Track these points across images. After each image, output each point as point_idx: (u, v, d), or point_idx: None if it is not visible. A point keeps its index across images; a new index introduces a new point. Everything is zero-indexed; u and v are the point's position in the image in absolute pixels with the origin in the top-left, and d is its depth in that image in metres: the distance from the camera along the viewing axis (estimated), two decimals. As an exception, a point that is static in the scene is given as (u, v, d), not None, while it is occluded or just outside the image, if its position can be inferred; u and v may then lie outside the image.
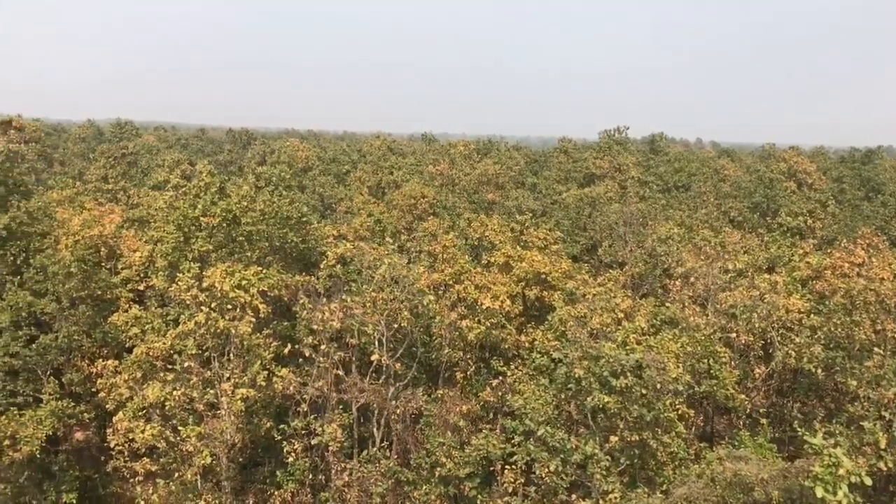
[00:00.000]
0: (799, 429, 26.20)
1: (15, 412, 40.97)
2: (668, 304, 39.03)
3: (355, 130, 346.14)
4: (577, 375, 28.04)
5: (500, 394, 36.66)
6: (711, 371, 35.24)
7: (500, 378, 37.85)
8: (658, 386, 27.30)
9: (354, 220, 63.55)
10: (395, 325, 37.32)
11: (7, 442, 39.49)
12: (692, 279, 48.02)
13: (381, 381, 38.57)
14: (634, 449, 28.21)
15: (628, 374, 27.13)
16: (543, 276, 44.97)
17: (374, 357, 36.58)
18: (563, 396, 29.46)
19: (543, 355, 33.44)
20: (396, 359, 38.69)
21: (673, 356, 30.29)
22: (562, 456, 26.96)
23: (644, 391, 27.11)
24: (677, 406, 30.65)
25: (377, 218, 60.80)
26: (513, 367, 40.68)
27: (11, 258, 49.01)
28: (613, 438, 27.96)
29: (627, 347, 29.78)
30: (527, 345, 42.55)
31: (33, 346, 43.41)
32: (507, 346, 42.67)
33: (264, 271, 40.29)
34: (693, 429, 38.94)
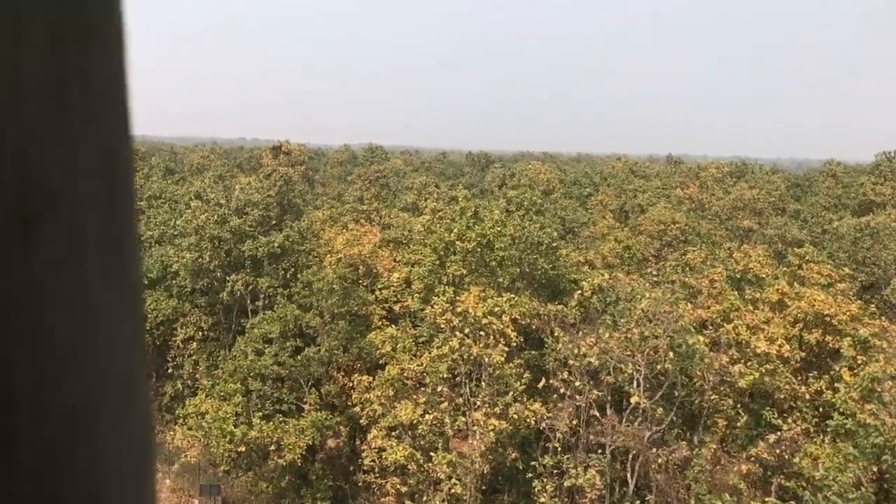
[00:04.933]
0: None
1: (280, 419, 43.71)
2: None
3: (590, 152, 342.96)
4: (897, 447, 23.32)
5: (778, 452, 32.13)
6: None
7: (777, 434, 33.25)
8: None
9: (600, 245, 61.12)
10: (657, 367, 34.31)
11: (273, 447, 42.12)
12: None
13: (636, 424, 35.71)
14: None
15: (971, 453, 22.00)
16: (827, 319, 39.28)
17: (634, 399, 33.84)
18: (874, 470, 24.73)
19: (846, 417, 28.61)
20: (654, 401, 35.60)
21: None
22: (876, 544, 22.44)
23: None
24: None
25: (626, 244, 57.83)
26: (790, 420, 35.80)
27: (283, 273, 52.97)
28: (945, 529, 22.80)
29: (963, 418, 24.34)
30: (807, 396, 37.26)
31: (299, 357, 46.19)
32: (781, 396, 37.69)
33: (516, 298, 39.30)
34: None
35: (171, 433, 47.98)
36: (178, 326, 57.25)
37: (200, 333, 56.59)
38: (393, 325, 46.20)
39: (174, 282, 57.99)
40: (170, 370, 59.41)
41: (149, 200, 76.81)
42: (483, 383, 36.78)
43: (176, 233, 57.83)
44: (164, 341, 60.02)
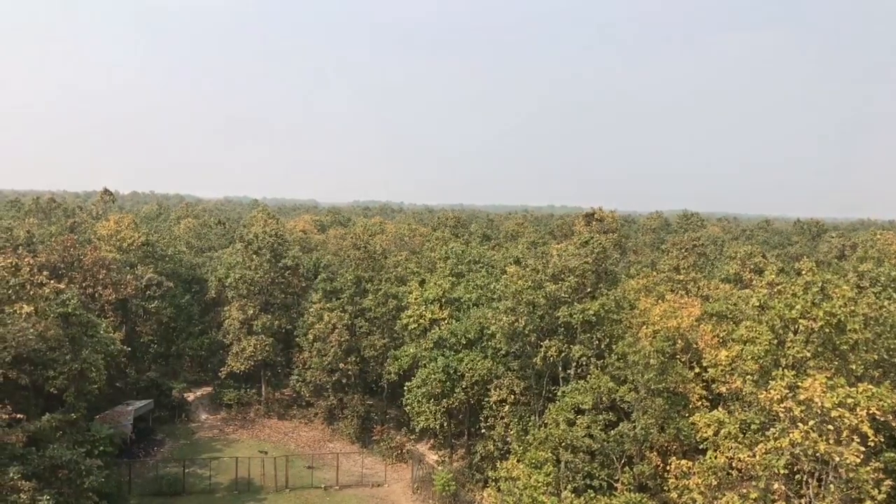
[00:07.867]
0: None
1: (591, 495, 42.06)
2: None
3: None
4: None
5: None
6: None
7: None
8: None
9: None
10: None
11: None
12: None
13: None
14: None
15: None
16: None
17: None
18: None
19: None
20: None
21: None
22: None
23: None
24: None
25: None
26: None
27: (596, 342, 51.79)
28: None
29: None
30: None
31: (612, 431, 44.32)
32: None
33: (874, 389, 33.42)
34: None
35: (481, 494, 48.76)
36: (492, 388, 58.70)
37: (513, 396, 57.37)
38: (715, 407, 42.34)
39: (489, 343, 59.87)
40: (482, 430, 61.01)
41: (468, 265, 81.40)
42: (831, 486, 31.60)
43: (494, 296, 59.79)
44: (479, 401, 61.98)
